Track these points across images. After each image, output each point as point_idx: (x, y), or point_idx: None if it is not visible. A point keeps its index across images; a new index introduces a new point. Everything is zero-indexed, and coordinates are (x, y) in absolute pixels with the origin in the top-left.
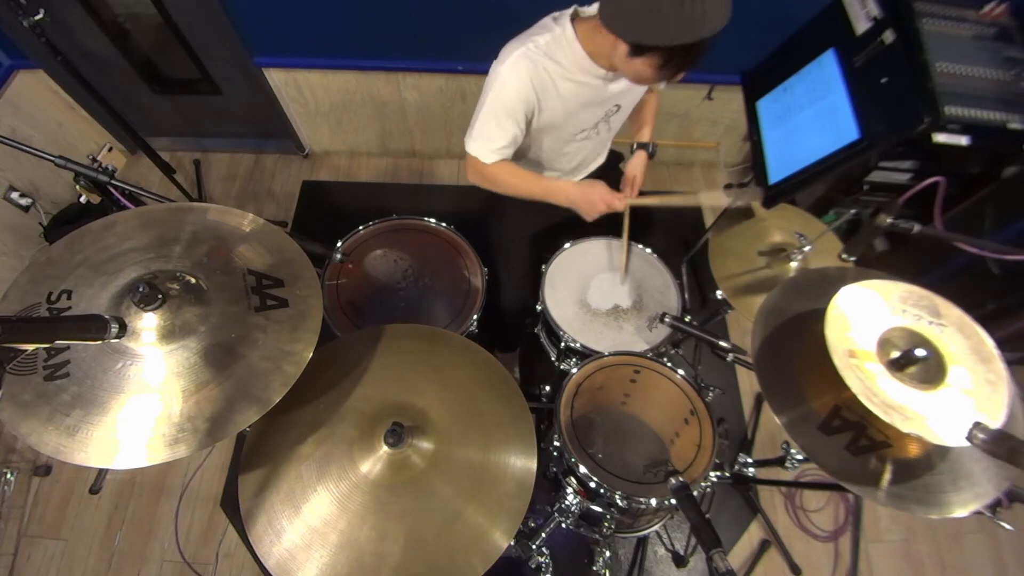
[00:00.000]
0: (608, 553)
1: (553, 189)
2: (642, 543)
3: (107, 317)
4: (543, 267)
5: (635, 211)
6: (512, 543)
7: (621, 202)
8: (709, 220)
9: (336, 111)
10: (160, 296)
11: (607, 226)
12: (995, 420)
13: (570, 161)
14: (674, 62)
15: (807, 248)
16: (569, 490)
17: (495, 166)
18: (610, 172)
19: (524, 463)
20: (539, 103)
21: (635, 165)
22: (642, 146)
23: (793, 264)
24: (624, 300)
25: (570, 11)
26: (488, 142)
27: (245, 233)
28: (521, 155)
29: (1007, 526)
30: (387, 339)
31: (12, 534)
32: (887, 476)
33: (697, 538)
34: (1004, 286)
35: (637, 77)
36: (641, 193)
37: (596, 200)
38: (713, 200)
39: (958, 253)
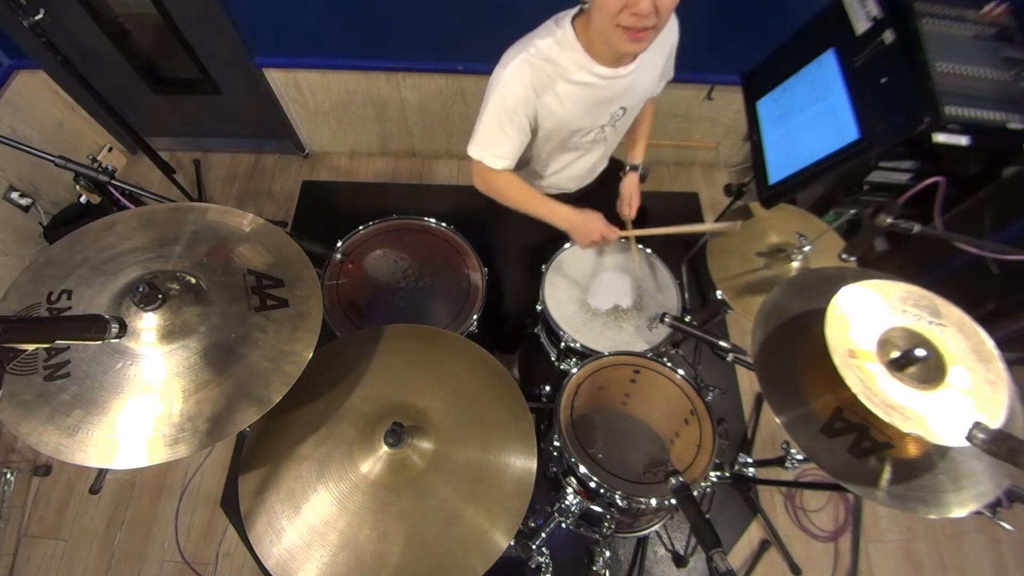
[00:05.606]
0: (608, 553)
1: (555, 211)
2: (642, 543)
3: (107, 317)
4: (543, 267)
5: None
6: (512, 543)
7: (615, 235)
8: (709, 220)
9: (336, 111)
10: (160, 296)
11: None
12: (995, 420)
13: (574, 168)
14: None
15: (807, 248)
16: (569, 490)
17: (502, 176)
18: (611, 180)
19: (524, 463)
20: (541, 107)
21: (629, 186)
22: (634, 168)
23: (793, 264)
24: (624, 300)
25: (572, 11)
26: (493, 148)
27: (245, 233)
28: (525, 163)
29: (1007, 526)
30: (387, 339)
31: (12, 534)
32: (887, 476)
33: (697, 538)
34: (1004, 286)
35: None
36: (640, 223)
37: (593, 230)
38: (712, 228)
39: (958, 253)
